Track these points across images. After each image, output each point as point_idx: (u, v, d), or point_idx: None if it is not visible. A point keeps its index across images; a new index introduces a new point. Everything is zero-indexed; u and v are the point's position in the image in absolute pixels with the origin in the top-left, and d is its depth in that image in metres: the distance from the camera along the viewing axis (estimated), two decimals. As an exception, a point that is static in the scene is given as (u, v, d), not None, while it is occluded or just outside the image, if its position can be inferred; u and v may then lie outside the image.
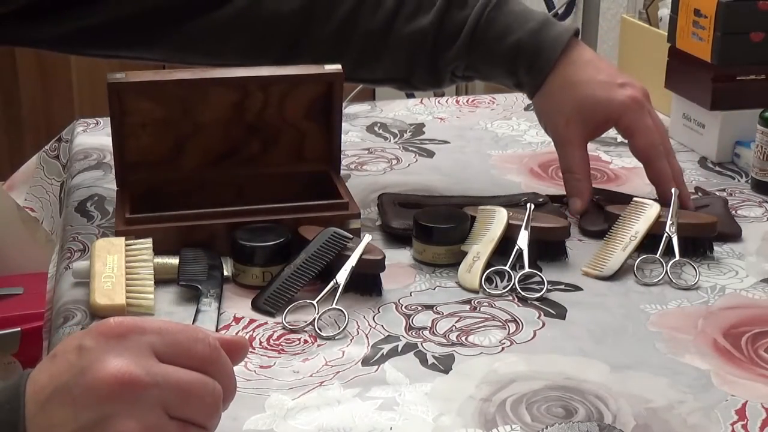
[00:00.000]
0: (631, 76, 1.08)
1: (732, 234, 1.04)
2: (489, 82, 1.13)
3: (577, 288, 0.95)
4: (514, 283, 0.94)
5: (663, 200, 1.04)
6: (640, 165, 1.24)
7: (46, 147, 1.36)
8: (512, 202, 1.08)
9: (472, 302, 0.92)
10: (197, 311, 0.89)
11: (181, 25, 1.07)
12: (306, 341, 0.86)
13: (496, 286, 0.95)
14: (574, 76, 1.05)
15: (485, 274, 0.95)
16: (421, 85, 1.13)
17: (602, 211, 1.06)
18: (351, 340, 0.86)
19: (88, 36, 1.07)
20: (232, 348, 0.67)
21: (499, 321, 0.89)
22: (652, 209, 1.00)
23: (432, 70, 1.10)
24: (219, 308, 0.90)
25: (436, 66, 1.10)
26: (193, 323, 0.87)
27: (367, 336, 0.87)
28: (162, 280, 0.93)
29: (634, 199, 1.03)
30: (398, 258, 0.99)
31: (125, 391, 0.60)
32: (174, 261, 0.94)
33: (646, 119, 1.05)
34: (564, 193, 1.13)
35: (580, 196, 1.07)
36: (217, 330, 0.87)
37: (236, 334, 0.87)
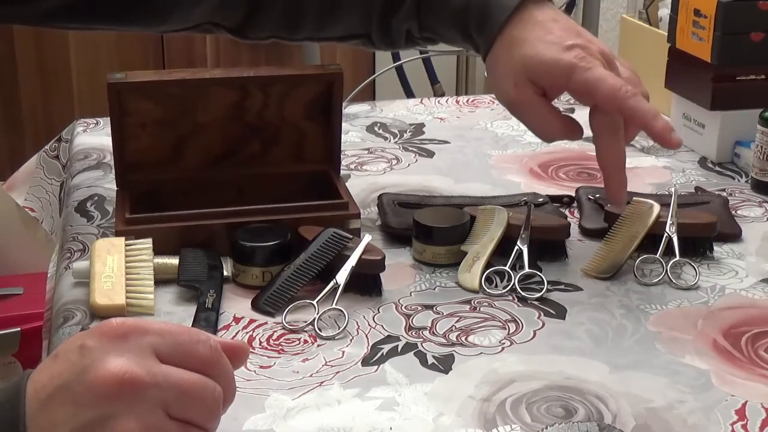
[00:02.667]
0: (591, 37, 0.98)
1: (732, 234, 1.04)
2: (448, 44, 1.07)
3: (577, 288, 0.95)
4: (514, 283, 0.94)
5: (654, 137, 0.94)
6: (640, 165, 1.24)
7: (46, 147, 1.36)
8: (512, 202, 1.08)
9: (472, 302, 0.92)
10: (197, 311, 0.89)
11: None
12: (306, 341, 0.86)
13: (496, 286, 0.95)
14: (520, 36, 0.96)
15: (485, 274, 0.95)
16: (380, 45, 1.08)
17: (602, 210, 1.06)
18: (351, 340, 0.86)
19: (71, 10, 1.04)
20: (233, 352, 0.67)
21: (499, 321, 0.89)
22: (653, 209, 1.00)
23: (386, 30, 1.05)
24: (219, 308, 0.90)
25: (389, 26, 1.04)
26: (193, 323, 0.87)
27: (367, 336, 0.87)
28: (162, 280, 0.93)
29: (634, 198, 1.03)
30: (398, 258, 0.99)
31: (126, 390, 0.61)
32: (174, 261, 0.94)
33: (598, 70, 0.93)
34: (564, 193, 1.13)
35: (570, 135, 0.99)
36: (216, 330, 0.87)
37: (236, 334, 0.87)
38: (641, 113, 0.92)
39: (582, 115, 1.45)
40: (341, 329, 0.87)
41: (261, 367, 0.82)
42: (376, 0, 1.04)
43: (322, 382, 0.80)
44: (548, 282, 0.94)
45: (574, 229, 1.05)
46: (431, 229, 0.98)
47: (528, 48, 0.95)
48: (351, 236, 0.94)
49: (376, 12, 1.04)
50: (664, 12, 1.39)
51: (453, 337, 0.87)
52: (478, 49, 1.00)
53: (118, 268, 0.91)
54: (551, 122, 0.97)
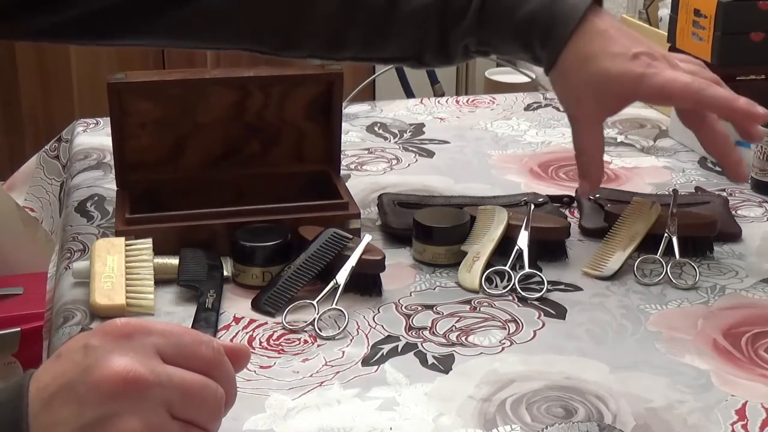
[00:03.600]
0: (651, 43, 0.99)
1: (732, 234, 1.04)
2: (506, 56, 1.07)
3: (577, 288, 0.95)
4: (514, 283, 0.94)
5: (744, 135, 0.96)
6: (641, 165, 1.24)
7: (46, 147, 1.36)
8: (512, 202, 1.08)
9: (472, 302, 0.92)
10: (197, 311, 0.89)
11: (170, 11, 1.03)
12: (306, 341, 0.86)
13: (496, 286, 0.95)
14: (585, 49, 0.96)
15: (485, 274, 0.95)
16: (434, 62, 1.07)
17: (602, 210, 1.06)
18: (351, 340, 0.86)
19: (81, 26, 1.04)
20: (235, 354, 0.68)
21: (499, 321, 0.89)
22: (653, 209, 1.00)
23: (442, 47, 1.04)
24: (219, 308, 0.90)
25: (447, 42, 1.04)
26: (193, 324, 0.87)
27: (367, 336, 0.87)
28: (162, 280, 0.93)
29: (635, 198, 1.03)
30: (398, 258, 0.99)
31: (129, 389, 0.61)
32: (174, 261, 0.94)
33: (666, 72, 0.94)
34: (564, 193, 1.13)
35: (588, 178, 1.00)
36: (216, 330, 0.87)
37: (236, 334, 0.87)
38: (720, 100, 0.94)
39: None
40: (341, 329, 0.87)
41: (261, 367, 0.82)
42: (432, 19, 1.03)
43: (322, 382, 0.80)
44: (548, 282, 0.94)
45: (574, 229, 1.05)
46: (431, 229, 0.98)
47: (594, 65, 0.96)
48: (351, 236, 0.94)
49: (433, 31, 1.03)
50: (664, 12, 1.39)
51: (453, 337, 0.87)
52: (537, 60, 1.01)
53: (118, 268, 0.91)
54: (590, 149, 0.99)
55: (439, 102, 1.48)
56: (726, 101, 0.94)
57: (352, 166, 1.23)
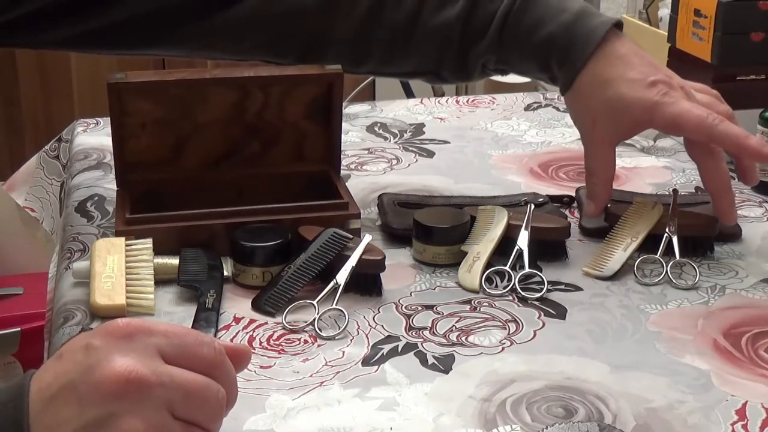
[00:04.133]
0: (668, 70, 1.00)
1: (732, 234, 1.04)
2: (522, 75, 1.08)
3: (577, 288, 0.95)
4: (514, 283, 0.94)
5: (743, 173, 1.00)
6: (640, 165, 1.25)
7: (46, 147, 1.36)
8: (512, 202, 1.08)
9: (472, 302, 0.92)
10: (197, 311, 0.89)
11: (196, 23, 1.05)
12: (306, 341, 0.86)
13: (496, 286, 0.95)
14: (603, 73, 0.97)
15: (485, 274, 0.95)
16: (452, 79, 1.08)
17: (602, 210, 1.06)
18: (351, 340, 0.86)
19: (102, 36, 1.05)
20: (236, 355, 0.68)
21: (499, 321, 0.89)
22: (655, 210, 1.00)
23: (461, 64, 1.05)
24: (219, 308, 0.90)
25: (466, 59, 1.05)
26: (193, 323, 0.87)
27: (367, 336, 0.87)
28: (162, 280, 0.93)
29: (637, 199, 1.03)
30: (398, 258, 0.99)
31: (131, 389, 0.61)
32: (174, 261, 0.94)
33: (682, 103, 0.95)
34: (564, 193, 1.13)
35: (595, 199, 1.01)
36: (217, 330, 0.87)
37: (236, 334, 0.87)
38: (732, 137, 0.95)
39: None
40: (341, 329, 0.87)
41: (261, 367, 0.82)
42: (454, 35, 1.03)
43: (322, 382, 0.80)
44: (548, 282, 0.94)
45: (574, 229, 1.05)
46: (431, 229, 0.98)
47: (611, 90, 0.96)
48: (351, 236, 0.94)
49: (454, 47, 1.04)
50: (664, 12, 1.40)
51: (453, 337, 0.86)
52: (554, 80, 1.01)
53: (118, 268, 0.91)
54: (600, 171, 1.00)
55: (439, 102, 1.48)
56: (737, 138, 0.95)
57: (352, 166, 1.23)
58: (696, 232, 1.01)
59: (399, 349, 0.85)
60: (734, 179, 1.21)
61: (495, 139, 1.33)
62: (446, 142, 1.32)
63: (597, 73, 0.97)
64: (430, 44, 1.05)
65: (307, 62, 1.07)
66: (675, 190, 1.04)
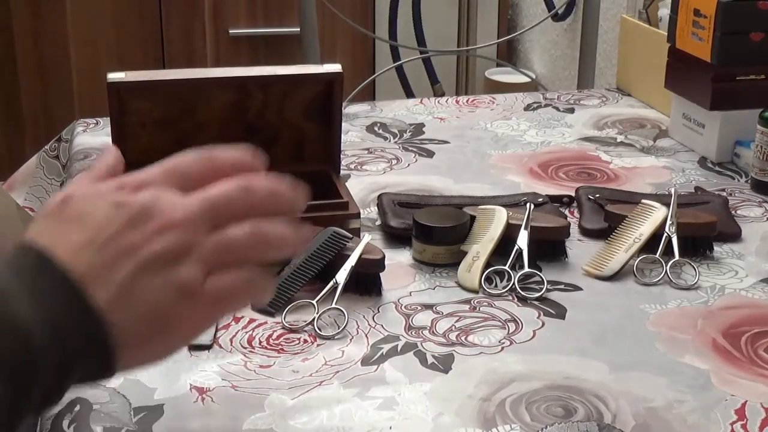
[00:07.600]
0: None
1: (732, 234, 1.04)
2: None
3: (576, 288, 0.95)
4: (513, 283, 0.94)
5: None
6: (641, 165, 1.25)
7: (46, 147, 1.36)
8: (512, 202, 1.08)
9: (472, 302, 0.92)
10: (197, 311, 0.88)
11: None
12: (305, 341, 0.86)
13: (496, 286, 0.95)
14: None
15: (485, 273, 0.95)
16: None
17: (602, 210, 1.06)
18: (350, 339, 0.86)
19: None
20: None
21: (499, 321, 0.89)
22: (659, 212, 1.00)
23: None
24: (219, 308, 0.90)
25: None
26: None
27: (366, 336, 0.87)
28: (162, 279, 0.93)
29: (642, 201, 1.03)
30: (398, 258, 0.99)
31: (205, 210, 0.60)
32: (174, 261, 0.94)
33: None
34: (564, 193, 1.13)
35: None
36: (217, 330, 0.87)
37: (236, 333, 0.87)
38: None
39: (581, 115, 1.46)
40: (341, 329, 0.87)
41: (261, 366, 0.82)
42: None
43: (321, 382, 0.80)
44: (548, 282, 0.94)
45: (574, 229, 1.05)
46: (431, 229, 0.98)
47: None
48: (351, 236, 0.94)
49: None
50: (664, 12, 1.39)
51: (453, 336, 0.87)
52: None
53: (118, 267, 0.91)
54: None
55: (439, 102, 1.48)
56: None
57: (352, 166, 1.23)
58: (696, 232, 1.01)
59: (398, 349, 0.85)
60: (734, 179, 1.21)
61: (495, 139, 1.33)
62: (446, 142, 1.32)
63: None
64: None
65: None
66: (675, 190, 1.04)
